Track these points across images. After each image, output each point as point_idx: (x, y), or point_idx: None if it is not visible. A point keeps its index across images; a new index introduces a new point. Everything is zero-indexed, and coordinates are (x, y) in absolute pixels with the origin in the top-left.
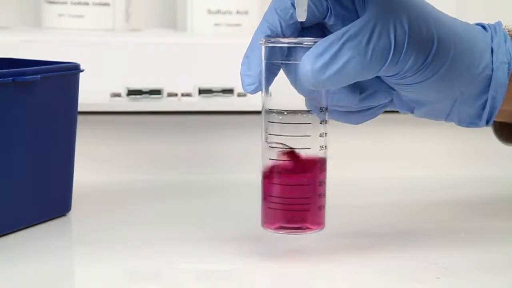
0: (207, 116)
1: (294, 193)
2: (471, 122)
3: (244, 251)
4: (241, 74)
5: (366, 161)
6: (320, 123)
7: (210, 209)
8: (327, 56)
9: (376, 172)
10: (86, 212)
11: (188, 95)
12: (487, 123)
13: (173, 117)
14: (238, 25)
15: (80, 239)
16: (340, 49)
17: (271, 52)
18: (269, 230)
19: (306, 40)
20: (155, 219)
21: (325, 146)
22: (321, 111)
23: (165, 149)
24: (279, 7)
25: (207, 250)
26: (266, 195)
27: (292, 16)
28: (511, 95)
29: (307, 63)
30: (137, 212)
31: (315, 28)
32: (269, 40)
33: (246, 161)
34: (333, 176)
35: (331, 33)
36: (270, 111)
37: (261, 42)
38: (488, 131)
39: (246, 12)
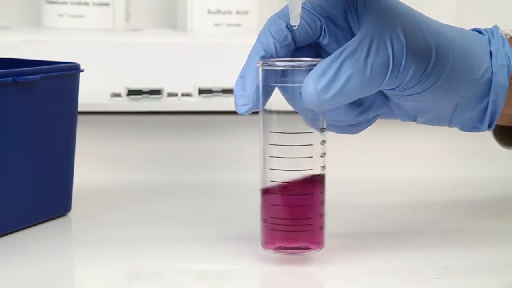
0: (207, 116)
1: (296, 215)
2: (474, 126)
3: (244, 251)
4: (235, 95)
5: (366, 161)
6: (321, 143)
7: (210, 209)
8: (328, 76)
9: (375, 172)
10: (86, 212)
11: (188, 95)
12: (489, 126)
13: (173, 117)
14: (238, 25)
15: (80, 239)
16: (339, 68)
17: (268, 74)
18: (269, 250)
19: (303, 62)
20: (155, 219)
21: (325, 166)
22: (321, 132)
23: (165, 149)
24: (273, 29)
25: (207, 250)
26: (267, 217)
27: (287, 37)
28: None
29: (310, 84)
30: (137, 212)
31: (310, 48)
32: (266, 63)
33: (246, 161)
34: (333, 176)
35: (326, 52)
36: (270, 132)
37: (258, 64)
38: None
39: (246, 12)
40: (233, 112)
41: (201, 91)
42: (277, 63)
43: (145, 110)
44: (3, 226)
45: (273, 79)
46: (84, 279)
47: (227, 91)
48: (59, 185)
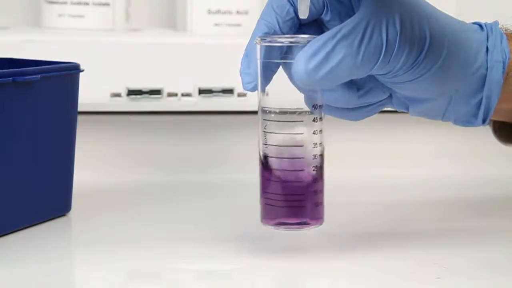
0: (207, 116)
1: (289, 190)
2: (468, 121)
3: (244, 251)
4: (240, 72)
5: (366, 160)
6: (313, 120)
7: (210, 209)
8: (320, 56)
9: (375, 172)
10: (86, 212)
11: (188, 95)
12: (483, 122)
13: (173, 117)
14: (238, 25)
15: (80, 239)
16: (333, 49)
17: (268, 51)
18: (269, 226)
19: (301, 38)
20: (155, 219)
21: (320, 144)
22: (314, 109)
23: (165, 149)
24: (275, 4)
25: (207, 250)
26: (263, 191)
27: (289, 12)
28: (507, 94)
29: (301, 63)
30: (137, 212)
31: (313, 24)
32: (264, 39)
33: (246, 161)
34: (333, 175)
35: (328, 29)
36: (265, 110)
37: (256, 41)
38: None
39: (246, 12)
40: (233, 112)
41: (201, 91)
42: (274, 39)
43: (145, 110)
44: (3, 226)
45: (273, 55)
46: (84, 279)
47: (227, 91)
48: (59, 185)
